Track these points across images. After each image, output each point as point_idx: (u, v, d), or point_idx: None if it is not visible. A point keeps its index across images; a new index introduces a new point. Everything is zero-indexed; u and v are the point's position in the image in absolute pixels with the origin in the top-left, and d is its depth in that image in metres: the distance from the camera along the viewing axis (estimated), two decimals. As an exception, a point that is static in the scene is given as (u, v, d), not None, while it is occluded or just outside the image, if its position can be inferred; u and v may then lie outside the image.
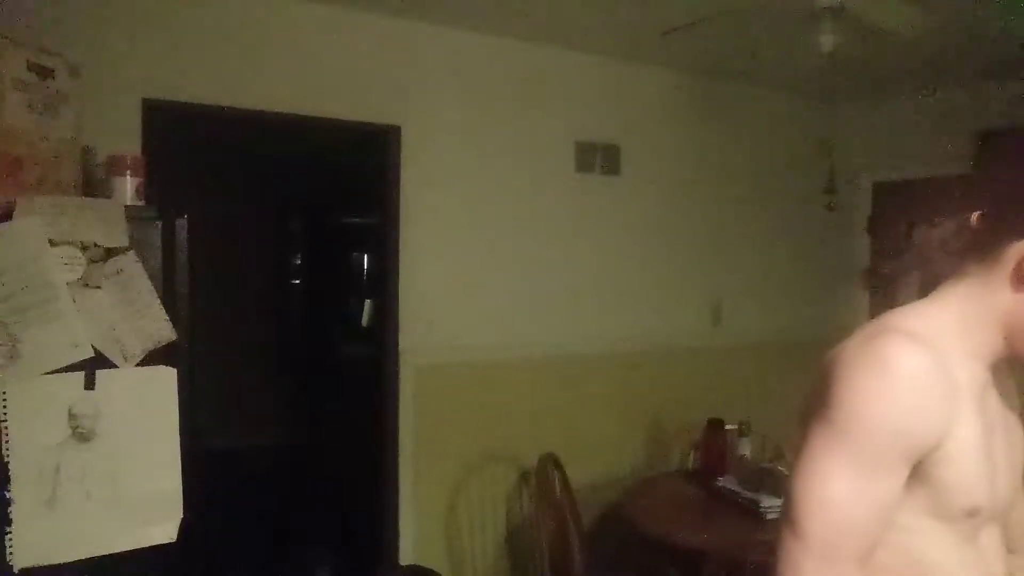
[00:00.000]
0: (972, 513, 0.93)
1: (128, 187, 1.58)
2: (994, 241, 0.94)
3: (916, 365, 0.88)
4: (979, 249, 0.96)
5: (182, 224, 1.57)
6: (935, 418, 0.89)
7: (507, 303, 3.38)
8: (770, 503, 2.52)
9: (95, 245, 1.43)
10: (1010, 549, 1.07)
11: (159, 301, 1.50)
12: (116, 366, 1.45)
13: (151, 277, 1.49)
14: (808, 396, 0.97)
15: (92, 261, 1.42)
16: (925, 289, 1.02)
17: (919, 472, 0.91)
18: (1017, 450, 1.02)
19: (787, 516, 0.92)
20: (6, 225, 1.35)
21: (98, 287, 1.43)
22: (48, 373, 1.38)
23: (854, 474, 0.88)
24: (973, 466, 0.92)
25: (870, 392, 0.88)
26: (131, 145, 2.40)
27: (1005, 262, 0.93)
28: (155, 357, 1.50)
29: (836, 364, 0.92)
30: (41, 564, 1.38)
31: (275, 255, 6.38)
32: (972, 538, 0.97)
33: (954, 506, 0.93)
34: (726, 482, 2.76)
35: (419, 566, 3.09)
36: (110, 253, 1.45)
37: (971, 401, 0.93)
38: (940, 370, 0.89)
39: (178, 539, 1.53)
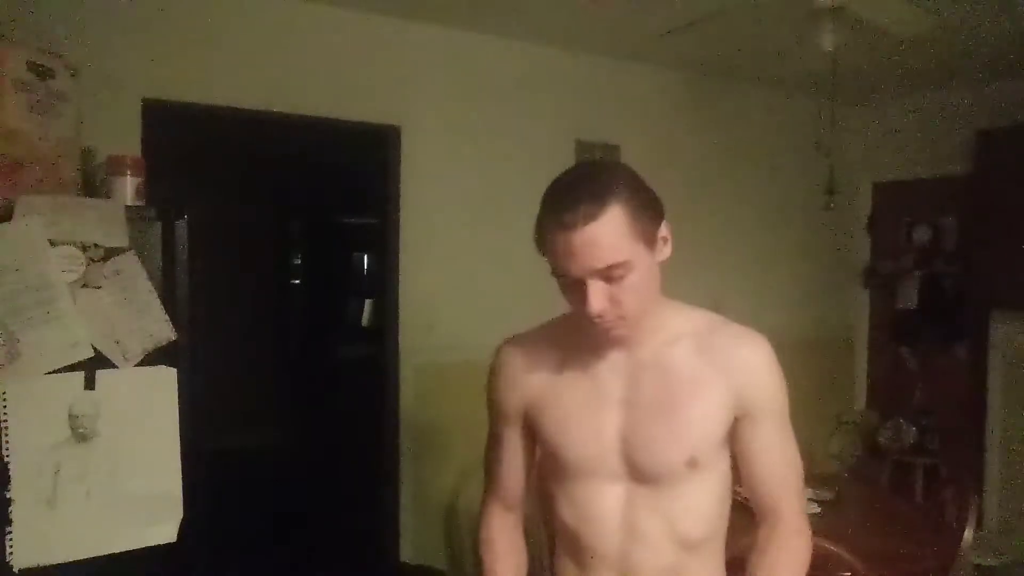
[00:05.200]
0: None
1: (128, 187, 1.58)
2: None
3: None
4: None
5: (182, 224, 1.56)
6: None
7: (507, 303, 3.37)
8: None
9: (95, 245, 1.43)
10: None
11: (159, 301, 1.50)
12: (116, 366, 1.45)
13: (151, 277, 1.49)
14: None
15: (92, 261, 1.42)
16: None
17: None
18: None
19: None
20: (6, 225, 1.35)
21: (98, 287, 1.43)
22: (48, 373, 1.38)
23: None
24: None
25: None
26: (131, 145, 2.40)
27: None
28: (155, 357, 1.49)
29: None
30: (41, 564, 1.38)
31: (275, 255, 6.38)
32: None
33: None
34: (726, 482, 2.76)
35: (419, 565, 3.09)
36: (110, 253, 1.44)
37: None
38: None
39: (178, 539, 1.53)
